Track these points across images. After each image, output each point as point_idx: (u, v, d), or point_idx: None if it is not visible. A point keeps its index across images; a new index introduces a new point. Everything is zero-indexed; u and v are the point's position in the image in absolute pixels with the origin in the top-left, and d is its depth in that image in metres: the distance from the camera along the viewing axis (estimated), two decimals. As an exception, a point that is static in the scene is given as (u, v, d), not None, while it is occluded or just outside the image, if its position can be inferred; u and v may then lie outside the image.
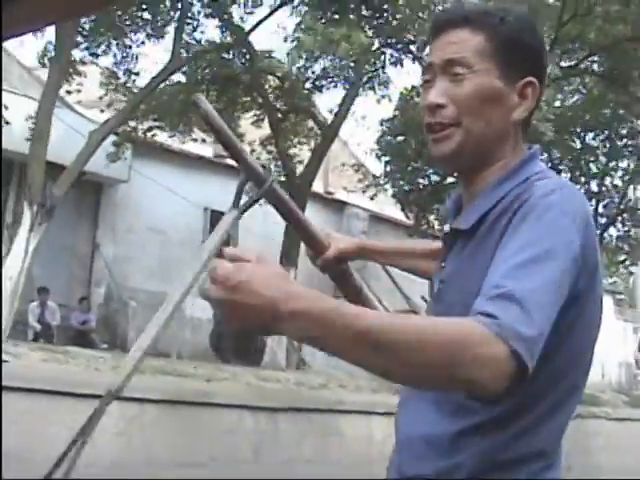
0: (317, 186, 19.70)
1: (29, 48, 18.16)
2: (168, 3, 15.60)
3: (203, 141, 17.73)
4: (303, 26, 14.11)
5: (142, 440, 8.87)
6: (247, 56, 15.64)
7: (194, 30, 15.73)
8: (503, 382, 1.29)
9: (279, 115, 16.44)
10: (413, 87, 17.49)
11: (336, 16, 13.35)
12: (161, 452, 8.82)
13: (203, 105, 1.85)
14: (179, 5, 15.31)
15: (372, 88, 17.09)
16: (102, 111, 15.83)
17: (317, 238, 2.11)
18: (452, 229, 1.69)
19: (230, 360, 14.90)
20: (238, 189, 1.89)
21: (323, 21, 13.45)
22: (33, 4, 0.96)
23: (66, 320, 16.04)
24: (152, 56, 16.84)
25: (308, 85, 16.60)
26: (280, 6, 15.19)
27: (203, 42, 15.83)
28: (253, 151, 17.80)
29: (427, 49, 1.83)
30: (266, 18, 15.22)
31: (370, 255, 2.21)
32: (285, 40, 15.46)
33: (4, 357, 8.56)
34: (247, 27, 15.83)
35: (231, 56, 16.19)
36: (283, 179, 16.69)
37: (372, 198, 19.74)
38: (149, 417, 9.10)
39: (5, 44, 15.86)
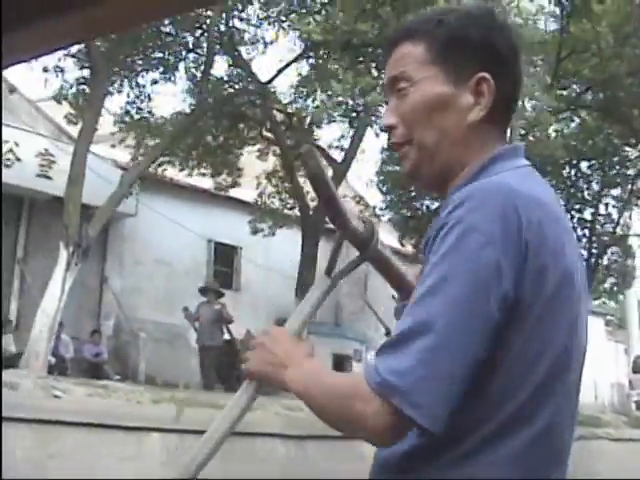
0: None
1: (29, 79, 18.26)
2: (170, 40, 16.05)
3: (203, 175, 18.11)
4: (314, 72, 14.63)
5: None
6: (255, 91, 16.10)
7: (205, 66, 16.12)
8: (385, 434, 1.36)
9: (288, 150, 16.84)
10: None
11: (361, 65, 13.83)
12: (204, 481, 9.13)
13: (312, 161, 1.63)
14: (190, 44, 15.71)
15: (370, 124, 17.58)
16: (113, 146, 16.15)
17: (409, 285, 1.88)
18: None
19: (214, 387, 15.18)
20: (332, 253, 1.77)
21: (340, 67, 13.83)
22: (35, 32, 0.94)
23: (79, 353, 16.27)
24: (162, 90, 17.14)
25: (310, 120, 17.02)
26: (303, 57, 15.68)
27: (212, 77, 16.23)
28: (259, 184, 18.23)
29: None
30: (286, 67, 15.65)
31: None
32: (300, 86, 15.90)
33: (56, 392, 8.86)
34: (257, 64, 16.27)
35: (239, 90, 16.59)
36: (298, 214, 17.19)
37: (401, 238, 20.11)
38: (189, 447, 9.40)
39: (12, 79, 16.24)
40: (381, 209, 19.67)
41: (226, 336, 15.65)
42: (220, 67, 16.14)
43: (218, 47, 15.66)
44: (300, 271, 16.87)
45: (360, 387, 1.35)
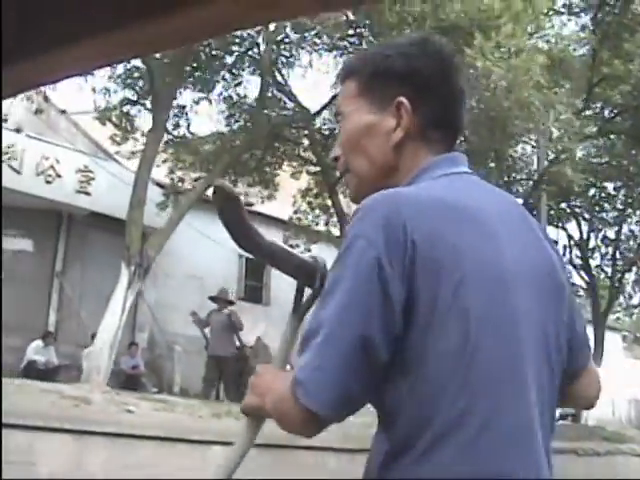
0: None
1: (67, 95, 18.54)
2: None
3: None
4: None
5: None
6: (297, 115, 16.52)
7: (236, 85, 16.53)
8: (301, 426, 1.51)
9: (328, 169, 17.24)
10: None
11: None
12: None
13: (225, 199, 1.71)
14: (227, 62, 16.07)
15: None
16: (158, 166, 16.50)
17: None
18: None
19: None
20: (297, 293, 1.86)
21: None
22: (33, 64, 0.93)
23: (116, 365, 16.58)
24: (199, 110, 17.47)
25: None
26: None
27: (248, 97, 16.65)
28: (295, 202, 18.60)
29: None
30: (331, 102, 16.02)
31: None
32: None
33: (129, 407, 9.21)
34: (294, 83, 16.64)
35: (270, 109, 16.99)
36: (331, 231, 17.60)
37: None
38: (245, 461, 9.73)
39: (49, 93, 16.57)
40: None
41: (237, 343, 15.71)
42: (255, 86, 16.58)
43: (254, 68, 16.07)
44: None
45: (285, 392, 1.48)
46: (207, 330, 15.54)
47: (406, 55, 1.68)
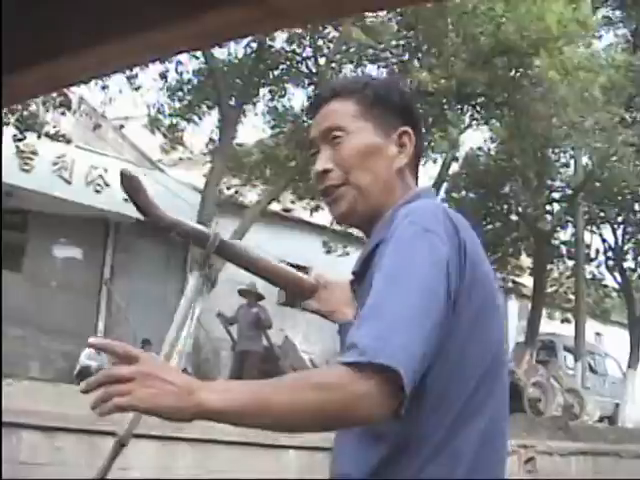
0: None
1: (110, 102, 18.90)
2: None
3: (278, 201, 18.79)
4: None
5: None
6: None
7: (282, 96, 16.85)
8: (385, 409, 1.40)
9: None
10: (479, 148, 18.66)
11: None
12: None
13: (131, 182, 1.96)
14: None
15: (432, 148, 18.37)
16: (204, 176, 16.83)
17: (290, 287, 2.13)
18: (353, 274, 1.79)
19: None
20: (202, 259, 2.13)
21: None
22: (36, 74, 0.92)
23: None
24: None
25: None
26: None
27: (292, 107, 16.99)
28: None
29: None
30: None
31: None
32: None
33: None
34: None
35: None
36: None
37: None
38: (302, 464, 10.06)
39: (94, 102, 16.94)
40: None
41: (264, 342, 15.43)
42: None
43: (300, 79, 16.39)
44: None
45: (343, 373, 1.39)
46: (235, 327, 15.38)
47: (399, 90, 1.86)
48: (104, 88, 14.14)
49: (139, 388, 1.37)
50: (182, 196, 16.65)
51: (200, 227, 2.08)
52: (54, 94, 13.03)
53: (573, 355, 20.05)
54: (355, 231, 1.93)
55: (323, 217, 19.07)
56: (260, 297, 15.37)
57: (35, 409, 7.87)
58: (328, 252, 19.00)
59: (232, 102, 15.07)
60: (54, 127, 14.08)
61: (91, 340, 1.50)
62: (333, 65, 15.70)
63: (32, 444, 7.74)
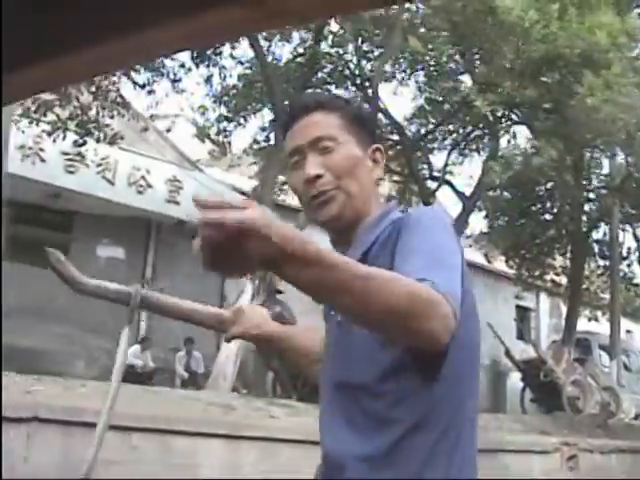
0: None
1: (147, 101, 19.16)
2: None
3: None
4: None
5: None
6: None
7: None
8: (448, 335, 1.50)
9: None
10: (515, 146, 18.79)
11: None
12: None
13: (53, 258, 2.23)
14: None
15: (477, 150, 18.64)
16: (250, 177, 17.04)
17: (211, 324, 2.29)
18: None
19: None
20: (129, 315, 2.32)
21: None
22: (37, 71, 0.90)
23: (208, 368, 17.18)
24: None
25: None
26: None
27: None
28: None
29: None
30: (437, 126, 16.52)
31: (268, 340, 2.26)
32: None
33: (273, 414, 9.81)
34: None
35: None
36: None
37: (487, 256, 20.94)
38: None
39: (135, 104, 17.17)
40: (483, 233, 20.50)
41: None
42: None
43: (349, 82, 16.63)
44: None
45: (431, 292, 1.49)
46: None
47: (372, 114, 2.27)
48: (150, 93, 14.31)
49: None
50: (223, 197, 16.85)
51: (122, 287, 2.29)
52: (109, 98, 13.31)
53: (607, 353, 20.20)
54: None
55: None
56: (279, 291, 15.23)
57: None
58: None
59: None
60: (112, 130, 14.28)
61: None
62: (385, 70, 15.96)
63: (110, 443, 7.99)
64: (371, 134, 1.96)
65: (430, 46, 14.51)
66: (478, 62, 14.85)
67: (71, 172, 16.46)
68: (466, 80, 16.34)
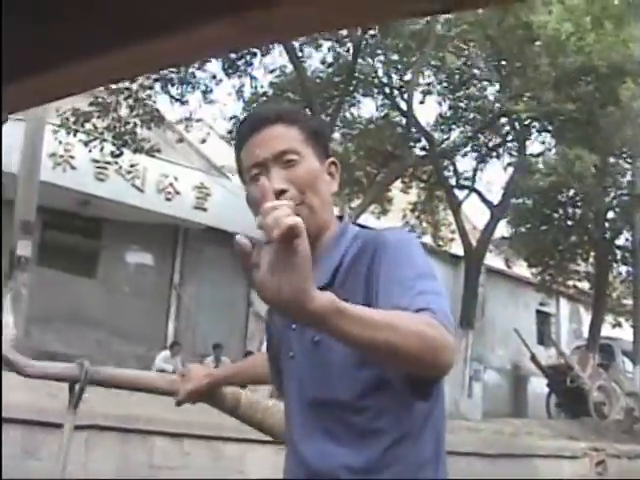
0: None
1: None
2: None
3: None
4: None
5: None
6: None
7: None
8: (451, 365, 1.52)
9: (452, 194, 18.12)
10: (540, 154, 18.99)
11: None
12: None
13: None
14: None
15: (498, 156, 18.86)
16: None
17: (163, 388, 2.31)
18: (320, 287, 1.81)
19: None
20: (69, 390, 2.28)
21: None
22: (39, 80, 0.90)
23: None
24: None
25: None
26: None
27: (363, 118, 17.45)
28: (404, 216, 19.35)
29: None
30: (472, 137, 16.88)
31: (221, 383, 2.48)
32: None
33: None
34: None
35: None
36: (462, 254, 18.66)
37: (508, 262, 21.12)
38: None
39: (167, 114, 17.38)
40: (504, 238, 20.67)
41: None
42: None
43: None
44: (463, 303, 18.00)
45: (434, 322, 1.50)
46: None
47: (328, 128, 2.36)
48: (183, 104, 14.50)
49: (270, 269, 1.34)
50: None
51: (67, 365, 2.24)
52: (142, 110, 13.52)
53: (631, 359, 20.29)
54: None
55: (390, 220, 19.51)
56: None
57: (162, 417, 8.29)
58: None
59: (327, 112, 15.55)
60: (148, 142, 14.51)
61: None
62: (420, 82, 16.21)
63: (163, 449, 8.20)
64: (326, 148, 1.95)
65: (465, 60, 14.70)
66: (513, 74, 15.00)
67: (101, 179, 16.67)
68: (494, 90, 16.54)
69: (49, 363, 2.30)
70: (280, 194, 1.75)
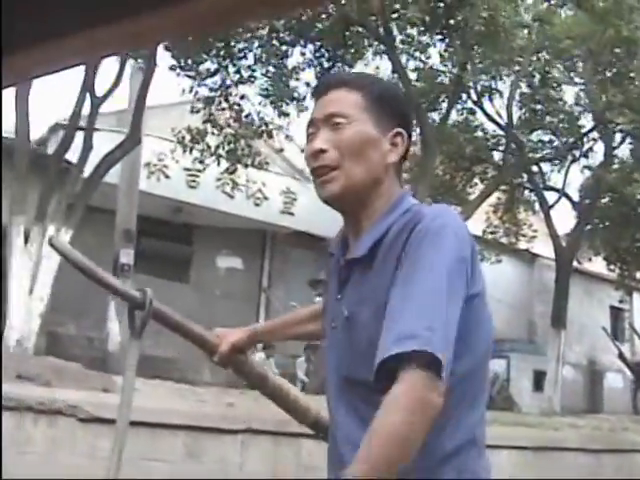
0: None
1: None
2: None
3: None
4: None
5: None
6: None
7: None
8: (437, 406, 1.51)
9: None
10: (613, 156, 19.23)
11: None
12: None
13: (61, 246, 2.01)
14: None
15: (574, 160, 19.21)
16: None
17: (207, 339, 2.17)
18: (347, 261, 1.84)
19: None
20: (129, 319, 2.11)
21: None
22: (38, 51, 0.87)
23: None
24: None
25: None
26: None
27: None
28: (488, 218, 19.67)
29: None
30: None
31: (262, 338, 2.46)
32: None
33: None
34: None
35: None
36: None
37: (578, 259, 21.34)
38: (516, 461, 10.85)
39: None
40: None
41: None
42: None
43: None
44: (555, 305, 18.32)
45: (419, 381, 1.51)
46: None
47: (400, 96, 2.01)
48: (285, 115, 14.85)
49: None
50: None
51: (134, 292, 2.09)
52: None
53: None
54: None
55: (472, 221, 19.81)
56: None
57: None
58: (481, 260, 19.76)
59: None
60: (260, 156, 15.00)
61: None
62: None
63: (310, 450, 8.65)
64: (395, 117, 1.88)
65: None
66: (612, 85, 15.29)
67: (193, 187, 17.17)
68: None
69: (121, 284, 2.18)
70: (319, 153, 1.80)
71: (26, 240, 10.39)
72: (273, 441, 8.44)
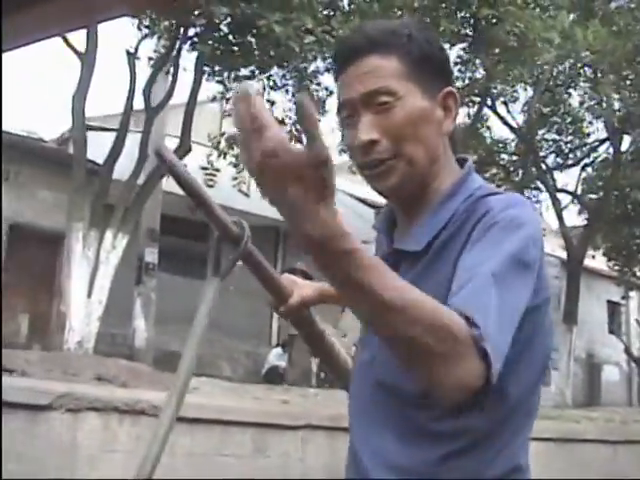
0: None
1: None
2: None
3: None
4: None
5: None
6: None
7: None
8: (465, 392, 1.25)
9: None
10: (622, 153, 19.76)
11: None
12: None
13: (167, 155, 1.59)
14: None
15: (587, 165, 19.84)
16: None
17: (283, 288, 2.04)
18: (397, 250, 1.59)
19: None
20: (215, 252, 1.82)
21: None
22: (38, 14, 0.82)
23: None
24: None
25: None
26: None
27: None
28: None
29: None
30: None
31: (330, 298, 2.06)
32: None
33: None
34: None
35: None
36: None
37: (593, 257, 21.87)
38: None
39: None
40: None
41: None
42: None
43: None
44: (566, 301, 18.87)
45: (465, 332, 1.23)
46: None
47: (439, 44, 1.62)
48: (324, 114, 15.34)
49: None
50: (358, 211, 18.06)
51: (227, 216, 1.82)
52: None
53: None
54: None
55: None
56: (308, 276, 15.92)
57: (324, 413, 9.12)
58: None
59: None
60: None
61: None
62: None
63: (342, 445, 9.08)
64: (441, 75, 1.59)
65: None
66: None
67: (210, 186, 17.51)
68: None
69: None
70: (370, 146, 1.51)
71: (84, 245, 10.77)
72: (330, 436, 8.86)
